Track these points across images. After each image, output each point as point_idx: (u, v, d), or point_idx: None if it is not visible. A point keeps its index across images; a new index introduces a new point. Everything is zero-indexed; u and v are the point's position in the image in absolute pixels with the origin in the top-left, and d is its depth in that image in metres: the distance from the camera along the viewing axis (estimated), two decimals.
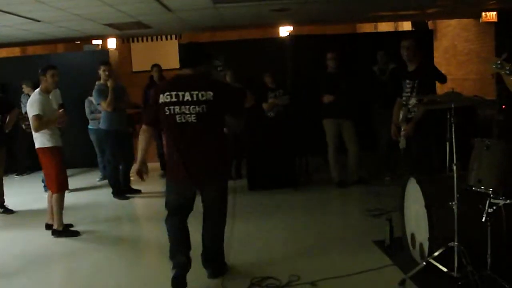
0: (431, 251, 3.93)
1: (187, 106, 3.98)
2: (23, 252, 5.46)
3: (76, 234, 5.87)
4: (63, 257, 5.39)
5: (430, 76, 5.60)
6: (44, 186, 7.84)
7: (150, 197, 7.73)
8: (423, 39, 9.78)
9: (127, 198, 7.57)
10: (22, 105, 8.69)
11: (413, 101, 5.43)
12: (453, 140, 3.93)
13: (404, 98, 5.54)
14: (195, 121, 3.99)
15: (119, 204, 7.38)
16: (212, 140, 4.10)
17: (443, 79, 5.80)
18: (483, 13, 9.67)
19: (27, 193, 8.36)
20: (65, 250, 5.53)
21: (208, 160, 4.10)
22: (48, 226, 6.06)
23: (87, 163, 9.82)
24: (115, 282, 4.55)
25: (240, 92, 4.36)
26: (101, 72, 7.32)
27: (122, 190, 7.63)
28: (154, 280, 4.54)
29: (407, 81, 5.50)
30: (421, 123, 5.35)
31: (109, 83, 7.17)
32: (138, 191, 7.83)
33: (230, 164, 5.10)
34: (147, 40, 13.79)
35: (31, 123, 5.65)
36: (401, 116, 5.57)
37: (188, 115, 3.98)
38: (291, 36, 11.24)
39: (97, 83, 7.49)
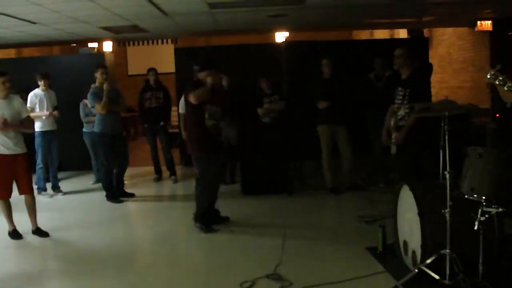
0: (423, 259, 3.94)
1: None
2: (14, 254, 5.43)
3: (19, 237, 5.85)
4: (53, 261, 5.37)
5: (421, 85, 5.61)
6: (38, 188, 7.84)
7: (144, 200, 7.72)
8: (418, 47, 9.84)
9: (121, 201, 7.54)
10: None
11: (401, 112, 5.46)
12: (447, 148, 3.95)
13: (396, 105, 5.56)
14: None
15: (112, 207, 7.35)
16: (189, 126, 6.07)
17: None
18: (478, 22, 9.75)
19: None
20: (56, 252, 5.52)
21: (189, 140, 6.13)
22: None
23: (81, 165, 9.79)
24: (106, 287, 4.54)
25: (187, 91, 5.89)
26: (98, 75, 7.32)
27: (115, 193, 7.61)
28: (147, 285, 4.54)
29: (400, 88, 5.52)
30: (411, 130, 5.36)
31: (104, 86, 7.17)
32: (131, 195, 7.82)
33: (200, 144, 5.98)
34: (143, 43, 13.81)
35: None
36: (392, 123, 5.59)
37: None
38: (287, 42, 11.28)
39: (92, 86, 7.49)
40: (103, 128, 7.34)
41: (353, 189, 7.48)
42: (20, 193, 5.91)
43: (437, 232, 3.87)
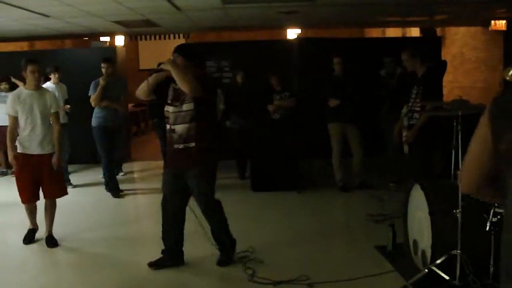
0: (433, 259, 3.91)
1: None
2: (19, 253, 5.47)
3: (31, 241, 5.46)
4: (62, 253, 5.40)
5: (434, 83, 5.58)
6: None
7: (152, 193, 7.71)
8: (431, 46, 9.78)
9: (120, 196, 7.55)
10: None
11: (404, 110, 5.43)
12: (459, 148, 3.92)
13: (409, 104, 5.53)
14: None
15: (121, 200, 7.39)
16: None
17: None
18: (492, 21, 9.65)
19: None
20: (65, 244, 5.54)
21: None
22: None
23: (91, 159, 9.81)
24: (111, 279, 4.55)
25: None
26: (103, 68, 7.43)
27: (117, 186, 7.63)
28: (150, 278, 4.55)
29: (415, 86, 5.49)
30: (422, 130, 5.33)
31: (101, 80, 7.23)
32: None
33: None
34: (155, 38, 13.81)
35: None
36: (404, 122, 5.58)
37: None
38: (299, 38, 11.25)
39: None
40: (98, 121, 7.39)
41: (363, 187, 7.44)
42: (44, 197, 5.46)
43: (448, 232, 3.84)
